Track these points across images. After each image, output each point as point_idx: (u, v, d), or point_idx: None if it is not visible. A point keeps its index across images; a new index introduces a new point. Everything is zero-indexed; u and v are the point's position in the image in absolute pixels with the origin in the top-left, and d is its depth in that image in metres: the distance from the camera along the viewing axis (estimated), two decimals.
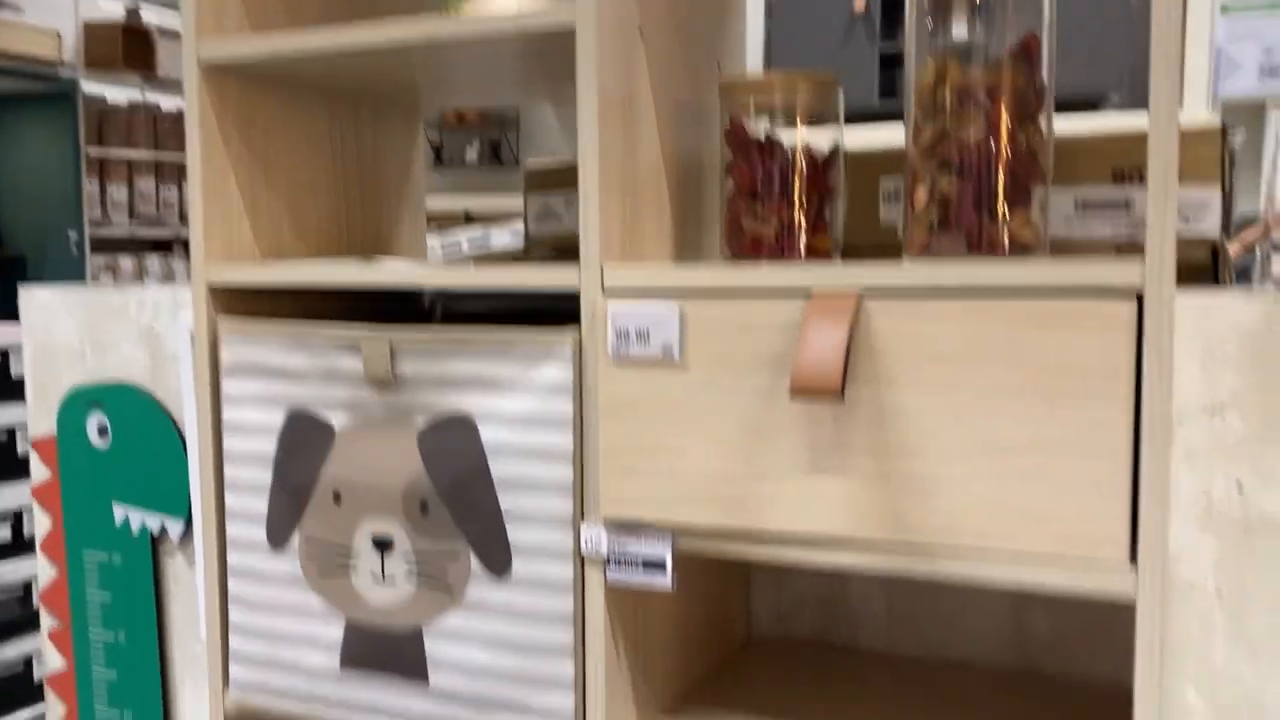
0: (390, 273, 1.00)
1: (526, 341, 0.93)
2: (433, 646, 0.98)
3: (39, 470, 1.59)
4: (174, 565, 1.52)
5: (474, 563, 0.96)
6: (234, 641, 1.06)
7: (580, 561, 0.93)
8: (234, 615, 1.05)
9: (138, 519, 1.52)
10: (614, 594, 0.94)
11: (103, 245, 4.65)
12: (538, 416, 0.92)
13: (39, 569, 1.57)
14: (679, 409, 0.88)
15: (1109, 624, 1.09)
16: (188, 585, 1.51)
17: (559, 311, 0.93)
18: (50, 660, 1.58)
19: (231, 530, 1.05)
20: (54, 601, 1.58)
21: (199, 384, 1.10)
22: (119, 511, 1.53)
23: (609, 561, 0.92)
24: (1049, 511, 0.78)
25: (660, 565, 0.90)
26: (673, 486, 0.89)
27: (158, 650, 1.52)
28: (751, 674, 1.12)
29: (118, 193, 4.69)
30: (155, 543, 1.52)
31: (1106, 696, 1.05)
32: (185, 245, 4.84)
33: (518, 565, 0.94)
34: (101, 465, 1.53)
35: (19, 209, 4.66)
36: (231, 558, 1.05)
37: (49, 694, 1.57)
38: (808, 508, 0.84)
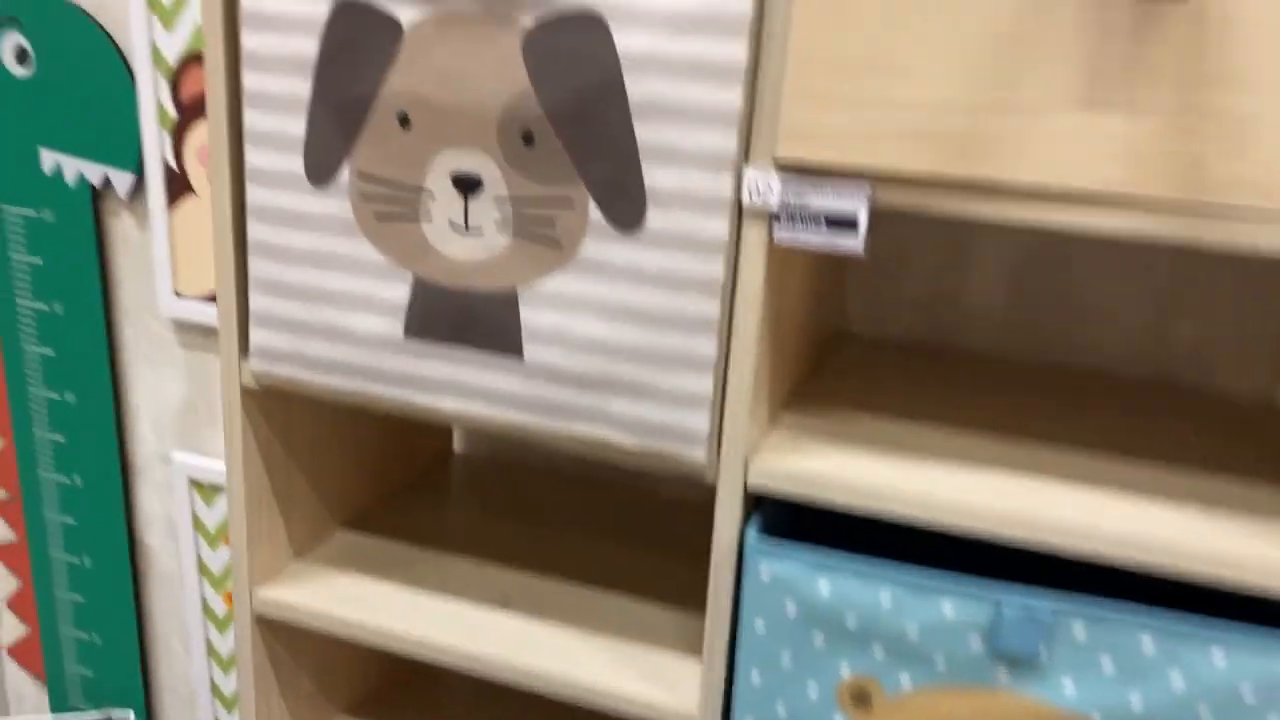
0: None
1: None
2: (530, 314, 0.77)
3: None
4: (121, 226, 1.26)
5: (593, 212, 0.74)
6: (256, 301, 0.83)
7: (738, 215, 0.72)
8: (257, 268, 0.82)
9: (73, 168, 1.24)
10: (772, 258, 0.74)
11: None
12: (701, 14, 0.69)
13: None
14: (908, 5, 0.65)
15: (1260, 331, 0.96)
16: (140, 250, 1.26)
17: None
18: None
19: (254, 158, 0.80)
20: None
21: None
22: (48, 158, 1.24)
23: (779, 216, 0.72)
24: None
25: (851, 223, 0.70)
26: (881, 118, 0.67)
27: (105, 326, 1.28)
28: (847, 372, 0.95)
29: None
30: (97, 198, 1.25)
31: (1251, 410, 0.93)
32: None
33: (653, 217, 0.73)
34: (23, 100, 1.23)
35: None
36: (254, 194, 0.80)
37: None
38: (1072, 152, 0.65)
